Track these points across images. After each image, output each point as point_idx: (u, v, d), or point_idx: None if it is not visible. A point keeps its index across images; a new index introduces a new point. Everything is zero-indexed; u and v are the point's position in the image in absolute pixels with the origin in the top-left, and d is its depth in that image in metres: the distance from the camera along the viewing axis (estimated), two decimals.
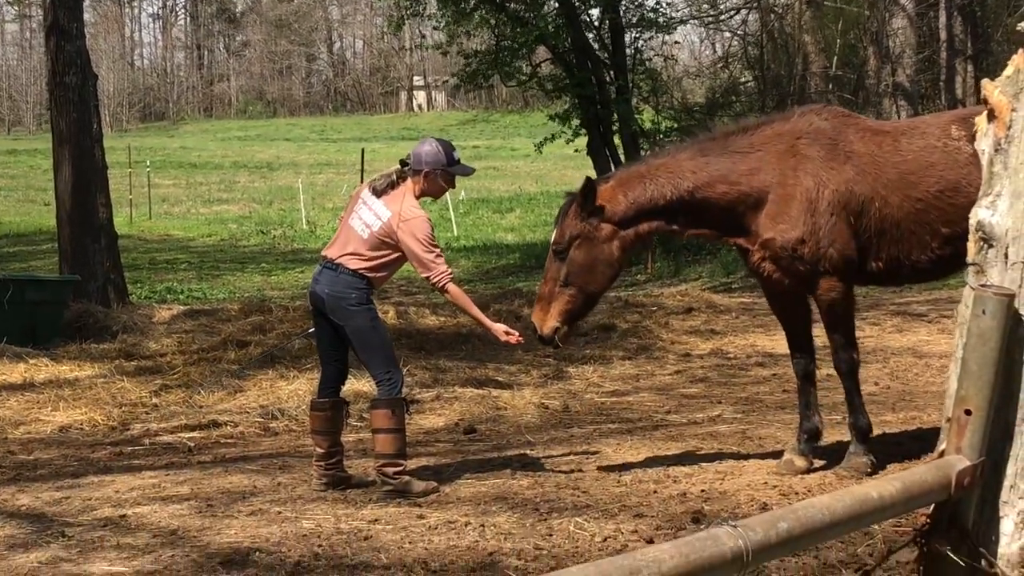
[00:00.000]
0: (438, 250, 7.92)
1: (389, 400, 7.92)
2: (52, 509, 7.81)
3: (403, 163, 8.11)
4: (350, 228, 7.99)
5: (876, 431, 8.45)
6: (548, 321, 7.82)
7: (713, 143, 7.97)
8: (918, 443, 8.43)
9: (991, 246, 2.88)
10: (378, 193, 7.97)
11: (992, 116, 2.92)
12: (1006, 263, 2.85)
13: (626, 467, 8.37)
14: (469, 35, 28.16)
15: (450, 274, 7.90)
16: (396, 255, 7.96)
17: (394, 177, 8.03)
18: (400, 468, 7.93)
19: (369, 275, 7.91)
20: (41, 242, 32.40)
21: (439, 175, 8.04)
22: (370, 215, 7.93)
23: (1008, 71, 2.89)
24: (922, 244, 7.73)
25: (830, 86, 31.97)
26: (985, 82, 2.97)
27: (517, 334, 8.03)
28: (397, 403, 7.95)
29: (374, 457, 8.12)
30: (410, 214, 7.83)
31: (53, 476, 8.88)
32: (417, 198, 8.00)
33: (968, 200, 3.15)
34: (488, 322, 8.08)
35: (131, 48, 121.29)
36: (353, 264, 7.88)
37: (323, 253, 8.17)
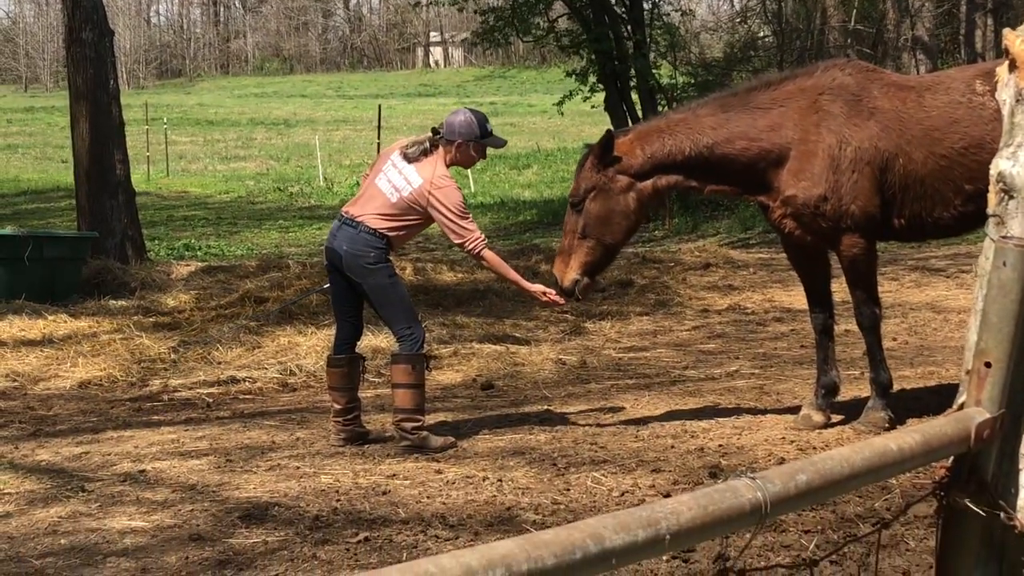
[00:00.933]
0: (470, 217, 7.94)
1: (409, 356, 7.93)
2: (72, 464, 7.86)
3: (435, 131, 8.10)
4: (376, 188, 7.98)
5: (895, 386, 8.45)
6: (568, 273, 7.84)
7: (734, 98, 7.93)
8: (936, 398, 8.42)
9: (1012, 197, 2.86)
10: (409, 159, 7.96)
11: (1013, 66, 2.89)
12: None
13: (644, 422, 8.38)
14: None
15: (484, 240, 7.90)
16: (420, 220, 7.97)
17: (427, 145, 8.02)
18: (418, 423, 7.95)
19: (390, 235, 7.90)
20: (59, 199, 32.45)
21: (471, 146, 8.04)
22: (400, 179, 7.92)
23: None
24: (945, 201, 7.68)
25: (849, 40, 31.76)
26: (1007, 31, 2.94)
27: (555, 292, 8.01)
28: (417, 359, 7.96)
29: (392, 412, 8.14)
30: (441, 183, 7.83)
31: (72, 431, 8.93)
32: (448, 167, 8.00)
33: (992, 156, 3.13)
34: (526, 283, 8.13)
35: (147, 4, 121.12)
36: (375, 223, 7.88)
37: (344, 210, 8.16)
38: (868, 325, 7.97)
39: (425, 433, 7.96)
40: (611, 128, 8.52)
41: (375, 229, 7.87)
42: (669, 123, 7.90)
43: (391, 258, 8.07)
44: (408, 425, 7.91)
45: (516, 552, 1.89)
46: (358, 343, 8.52)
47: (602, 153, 7.74)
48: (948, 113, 7.66)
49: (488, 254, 7.92)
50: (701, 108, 7.99)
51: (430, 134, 8.11)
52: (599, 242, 7.84)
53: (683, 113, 8.05)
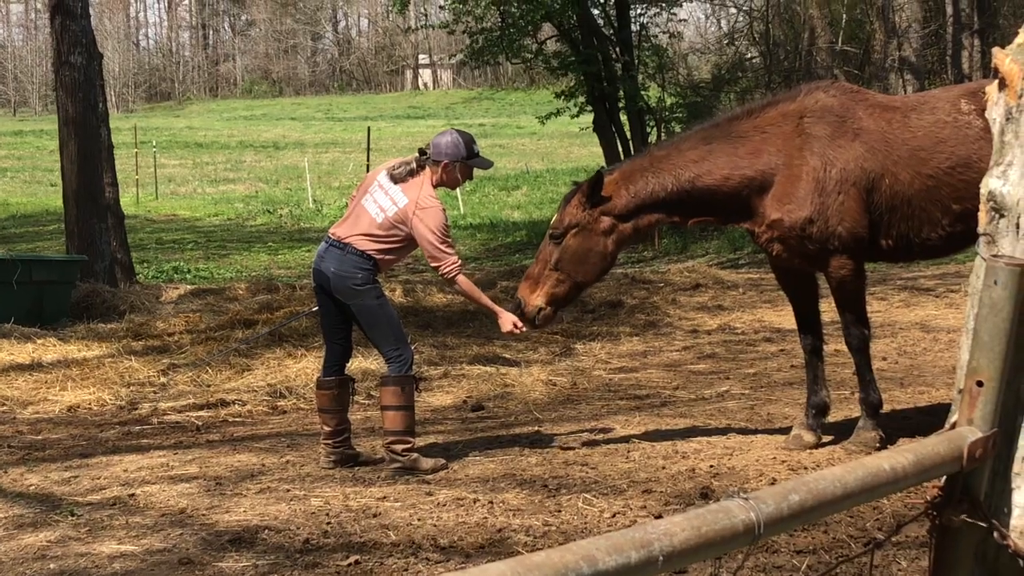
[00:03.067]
0: (450, 241, 7.94)
1: (398, 377, 7.92)
2: (61, 489, 7.82)
3: (422, 152, 8.11)
4: (363, 209, 7.98)
5: (885, 406, 8.44)
6: (534, 300, 7.88)
7: (716, 129, 7.95)
8: (927, 417, 8.42)
9: (1002, 216, 2.86)
10: (396, 180, 7.97)
11: (1003, 85, 2.89)
12: (1017, 233, 2.83)
13: (634, 443, 8.37)
14: (474, 18, 28.02)
15: (460, 265, 7.91)
16: (406, 242, 7.97)
17: (413, 165, 8.03)
18: (409, 445, 7.93)
19: (377, 257, 7.90)
20: (48, 223, 32.42)
21: (457, 167, 8.05)
22: (386, 200, 7.92)
23: (1020, 39, 2.86)
24: (933, 221, 7.68)
25: (836, 61, 31.90)
26: (996, 50, 2.95)
27: (523, 327, 8.02)
28: (406, 380, 7.95)
29: (382, 434, 8.12)
30: (427, 203, 7.83)
31: (62, 456, 8.89)
32: (434, 187, 8.00)
33: (979, 175, 3.14)
34: (498, 309, 8.11)
35: (136, 28, 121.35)
36: (362, 245, 7.87)
37: (331, 231, 8.15)
38: (857, 346, 7.97)
39: (415, 455, 7.94)
40: (603, 167, 8.55)
41: (362, 251, 7.87)
42: (652, 160, 7.91)
43: (379, 279, 8.06)
44: (398, 447, 7.89)
45: (508, 575, 1.88)
46: (347, 365, 8.50)
47: (591, 192, 7.76)
48: (934, 133, 7.67)
49: (462, 279, 7.92)
50: (684, 142, 8.00)
51: (417, 155, 8.12)
52: (570, 277, 7.87)
53: (666, 149, 8.04)
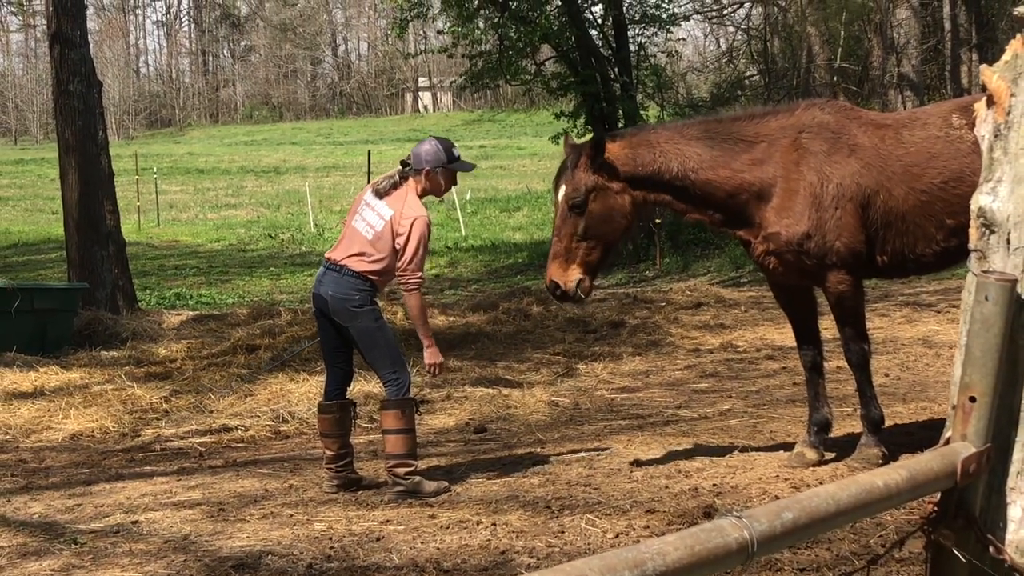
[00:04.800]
0: (424, 254, 7.95)
1: (398, 401, 7.93)
2: (64, 516, 7.83)
3: (404, 163, 8.13)
4: (354, 230, 8.01)
5: (888, 422, 8.43)
6: (570, 275, 7.72)
7: (719, 125, 7.95)
8: (929, 433, 8.41)
9: (993, 232, 2.88)
10: (381, 194, 8.00)
11: (991, 102, 2.91)
12: (1008, 249, 2.84)
13: (637, 462, 8.37)
14: (472, 42, 28.10)
15: (422, 283, 7.93)
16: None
17: (396, 178, 8.06)
18: (411, 468, 7.93)
19: (373, 277, 7.91)
20: (50, 251, 32.46)
21: (440, 172, 8.06)
22: (373, 216, 7.95)
23: (1006, 56, 2.88)
24: (927, 236, 7.70)
25: (835, 78, 31.95)
26: (984, 67, 2.96)
27: (438, 369, 8.11)
28: (406, 404, 7.96)
29: (384, 458, 8.12)
30: (412, 212, 7.86)
31: (65, 484, 8.89)
32: (420, 197, 8.02)
33: (972, 190, 3.16)
34: (430, 340, 8.06)
35: (136, 55, 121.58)
36: (358, 266, 7.89)
37: (327, 255, 8.18)
38: (857, 362, 7.97)
39: (418, 478, 7.94)
40: (604, 132, 8.53)
41: (359, 272, 7.89)
42: (659, 139, 7.86)
43: (377, 301, 8.07)
44: (401, 471, 7.90)
45: None
46: (349, 389, 8.51)
47: (595, 155, 7.72)
48: (926, 148, 7.70)
49: (418, 296, 7.92)
50: (688, 129, 7.99)
51: (399, 167, 8.14)
52: (600, 241, 7.77)
53: (671, 131, 8.01)
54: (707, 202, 7.84)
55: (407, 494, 7.85)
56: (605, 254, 7.93)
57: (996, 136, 2.90)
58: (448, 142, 8.22)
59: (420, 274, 7.89)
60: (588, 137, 7.89)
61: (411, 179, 8.04)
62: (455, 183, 8.40)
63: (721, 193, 7.76)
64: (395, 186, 8.02)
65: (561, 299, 7.91)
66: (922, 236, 7.70)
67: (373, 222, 7.93)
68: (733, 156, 7.75)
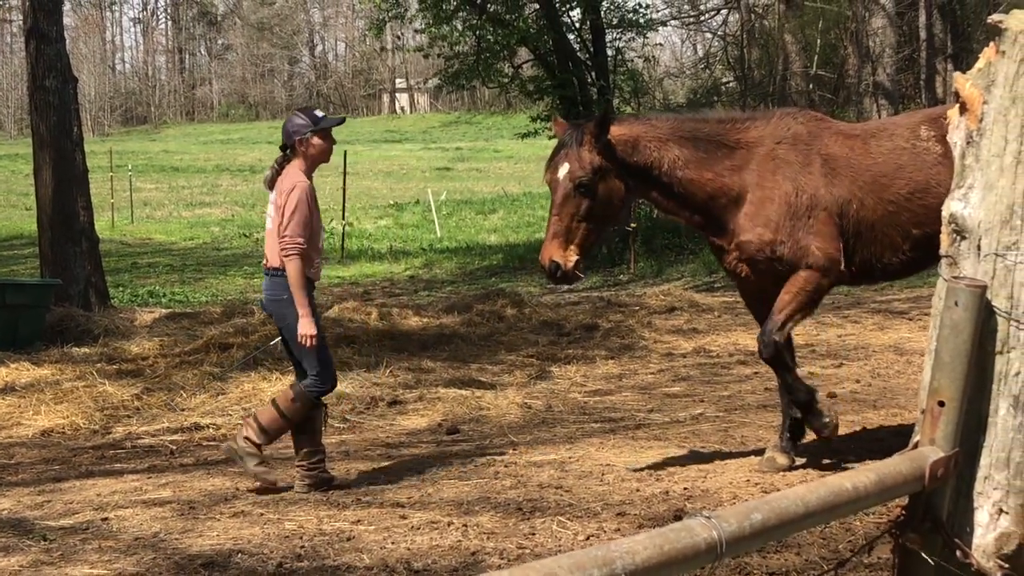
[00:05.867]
0: (304, 220, 7.92)
1: (304, 394, 8.09)
2: (33, 513, 7.80)
3: (282, 149, 8.25)
4: (268, 232, 8.17)
5: (858, 428, 8.45)
6: (570, 255, 7.62)
7: (707, 126, 7.97)
8: (900, 439, 8.42)
9: (964, 238, 2.90)
10: (271, 186, 8.19)
11: (964, 109, 2.93)
12: (978, 255, 2.86)
13: (609, 466, 8.38)
14: (449, 44, 28.10)
15: (300, 246, 7.90)
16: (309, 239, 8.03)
17: (277, 165, 8.21)
18: (257, 441, 8.11)
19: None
20: (22, 247, 32.31)
21: (311, 138, 8.12)
22: (270, 207, 8.15)
23: (980, 64, 2.90)
24: (894, 246, 7.76)
25: (811, 86, 32.07)
26: (957, 75, 2.99)
27: (309, 340, 7.96)
28: (307, 400, 8.11)
29: (252, 418, 8.31)
30: (290, 183, 7.99)
31: (34, 480, 8.86)
32: (307, 172, 8.12)
33: (938, 201, 3.18)
34: (307, 311, 7.96)
35: (112, 52, 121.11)
36: (275, 261, 8.02)
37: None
38: (769, 355, 7.86)
39: (251, 450, 8.11)
40: (607, 111, 8.51)
41: (278, 267, 7.96)
42: (658, 134, 7.83)
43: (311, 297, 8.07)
44: (248, 434, 8.12)
45: None
46: None
47: (599, 133, 7.66)
48: (893, 159, 7.77)
49: (296, 262, 7.88)
50: (683, 125, 7.97)
51: (280, 154, 8.27)
52: (599, 225, 7.74)
53: (666, 127, 7.97)
54: (689, 202, 7.84)
55: (235, 456, 8.15)
56: (599, 236, 7.94)
57: (968, 143, 2.92)
58: (308, 108, 8.44)
59: (300, 240, 7.89)
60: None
61: (293, 160, 8.15)
62: (332, 142, 8.33)
63: (703, 194, 7.77)
64: (278, 172, 8.16)
65: (560, 280, 7.75)
66: (889, 246, 7.76)
67: (271, 213, 8.10)
68: (717, 160, 7.78)
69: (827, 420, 7.85)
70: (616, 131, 7.75)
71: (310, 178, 8.14)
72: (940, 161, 7.54)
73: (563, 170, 7.69)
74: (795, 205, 7.62)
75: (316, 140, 8.12)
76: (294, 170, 8.07)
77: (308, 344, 7.95)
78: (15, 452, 9.93)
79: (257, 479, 8.07)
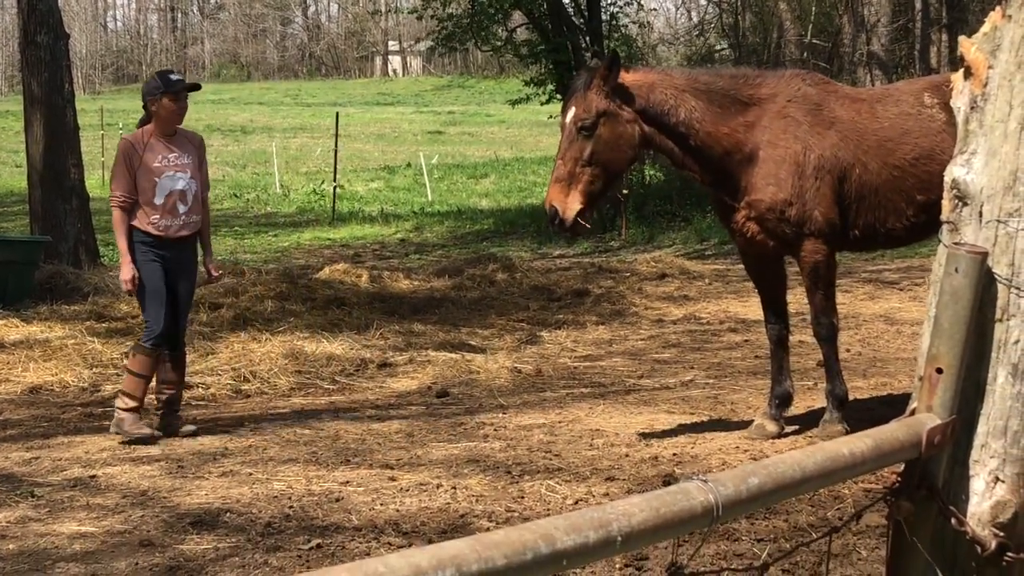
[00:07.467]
0: (119, 171, 8.58)
1: (140, 347, 8.59)
2: (21, 469, 7.79)
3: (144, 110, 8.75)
4: None
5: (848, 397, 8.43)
6: (571, 203, 7.48)
7: (722, 80, 7.93)
8: (889, 408, 8.46)
9: (965, 204, 2.87)
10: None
11: (968, 73, 2.90)
12: (980, 221, 2.84)
13: (598, 430, 8.39)
14: (443, 3, 27.95)
15: (115, 196, 8.47)
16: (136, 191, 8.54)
17: (139, 125, 8.85)
18: (127, 406, 8.44)
19: (135, 223, 8.50)
20: (12, 204, 32.23)
21: (161, 100, 8.58)
22: None
23: (985, 28, 2.87)
24: (898, 211, 7.76)
25: (805, 54, 31.99)
26: (963, 39, 2.95)
27: (128, 285, 8.45)
28: (140, 348, 8.57)
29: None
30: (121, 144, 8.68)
31: (23, 436, 8.84)
32: (161, 134, 8.64)
33: (941, 167, 3.16)
34: (127, 260, 8.47)
35: (104, 10, 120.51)
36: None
37: None
38: (825, 335, 7.98)
39: (127, 416, 8.43)
40: (615, 51, 8.41)
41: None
42: (674, 83, 7.78)
43: (145, 246, 8.50)
44: (120, 403, 8.50)
45: (466, 552, 1.88)
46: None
47: (608, 75, 7.56)
48: (899, 124, 7.76)
49: (115, 211, 8.47)
50: (700, 78, 7.91)
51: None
52: (604, 171, 7.60)
53: (684, 77, 7.94)
54: (704, 155, 7.77)
55: (115, 427, 8.48)
56: (606, 185, 7.79)
57: (972, 108, 2.89)
58: (164, 71, 8.99)
59: (118, 192, 8.46)
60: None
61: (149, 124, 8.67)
62: (183, 102, 8.78)
63: (720, 149, 7.71)
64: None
65: (559, 228, 7.64)
66: (893, 211, 7.75)
67: None
68: (731, 115, 7.73)
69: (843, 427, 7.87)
70: (632, 77, 7.68)
71: (169, 136, 8.67)
72: (944, 128, 7.54)
73: (570, 114, 7.63)
74: (804, 166, 7.62)
75: (166, 101, 8.60)
76: (145, 134, 8.60)
77: (125, 289, 8.54)
78: (3, 408, 9.91)
79: (139, 442, 8.40)
